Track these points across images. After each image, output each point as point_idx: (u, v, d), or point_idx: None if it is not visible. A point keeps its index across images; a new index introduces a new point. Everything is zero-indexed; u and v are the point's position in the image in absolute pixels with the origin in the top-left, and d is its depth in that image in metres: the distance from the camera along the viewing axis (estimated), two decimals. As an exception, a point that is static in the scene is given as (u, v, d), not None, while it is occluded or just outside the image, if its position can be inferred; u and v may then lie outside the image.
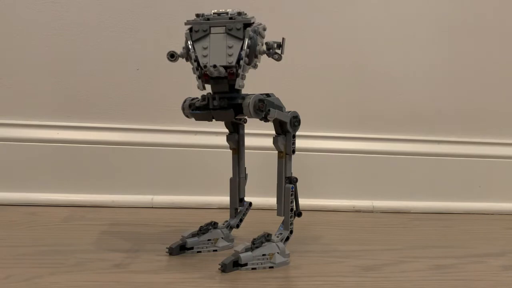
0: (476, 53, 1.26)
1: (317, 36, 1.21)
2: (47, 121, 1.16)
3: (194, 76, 0.76)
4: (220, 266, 0.78)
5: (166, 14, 1.16)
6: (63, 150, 1.16)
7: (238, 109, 0.76)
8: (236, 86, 0.75)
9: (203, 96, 0.77)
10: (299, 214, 0.85)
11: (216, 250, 0.87)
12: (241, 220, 0.92)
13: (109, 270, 0.77)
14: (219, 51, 0.74)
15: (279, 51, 0.76)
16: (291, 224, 0.84)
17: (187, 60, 0.77)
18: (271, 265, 0.80)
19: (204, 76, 0.75)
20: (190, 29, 0.76)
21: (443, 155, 1.26)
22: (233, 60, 0.74)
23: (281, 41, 0.76)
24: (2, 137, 1.14)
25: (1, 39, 1.13)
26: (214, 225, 0.89)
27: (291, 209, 0.83)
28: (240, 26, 0.74)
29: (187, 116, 0.80)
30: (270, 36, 0.78)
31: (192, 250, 0.86)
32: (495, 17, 1.25)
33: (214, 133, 1.19)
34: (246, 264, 0.79)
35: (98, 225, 1.00)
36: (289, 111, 0.81)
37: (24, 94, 1.15)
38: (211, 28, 0.75)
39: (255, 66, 0.77)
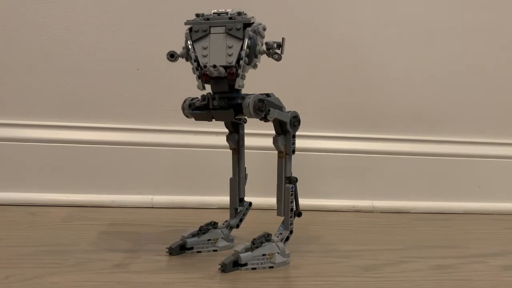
0: (477, 53, 1.26)
1: (317, 36, 1.21)
2: (47, 121, 1.16)
3: (194, 76, 0.76)
4: (220, 266, 0.78)
5: (166, 14, 1.16)
6: (63, 150, 1.16)
7: (238, 109, 0.76)
8: (236, 86, 0.74)
9: (203, 96, 0.77)
10: (299, 214, 0.85)
11: (216, 250, 0.87)
12: (241, 220, 0.92)
13: (109, 270, 0.77)
14: (219, 51, 0.74)
15: (279, 51, 0.76)
16: (291, 224, 0.84)
17: (187, 60, 0.77)
18: (271, 265, 0.80)
19: (204, 76, 0.75)
20: (190, 29, 0.76)
21: (443, 155, 1.26)
22: (233, 60, 0.74)
23: (281, 41, 0.76)
24: (2, 137, 1.14)
25: (1, 39, 1.13)
26: (214, 225, 0.89)
27: (291, 209, 0.83)
28: (240, 26, 0.74)
29: (187, 116, 0.80)
30: (270, 36, 0.78)
31: (192, 250, 0.86)
32: (496, 17, 1.25)
33: (214, 133, 1.19)
34: (246, 264, 0.79)
35: (98, 225, 1.00)
36: (289, 111, 0.81)
37: (24, 94, 1.15)
38: (211, 28, 0.75)
39: (255, 66, 0.77)
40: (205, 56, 0.75)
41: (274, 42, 0.76)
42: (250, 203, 0.93)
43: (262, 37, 0.77)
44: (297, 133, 0.83)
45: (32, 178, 1.15)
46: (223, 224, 0.90)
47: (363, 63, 1.23)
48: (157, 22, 1.16)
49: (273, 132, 0.83)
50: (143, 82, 1.18)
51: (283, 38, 0.76)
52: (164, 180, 1.18)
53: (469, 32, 1.25)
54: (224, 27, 0.75)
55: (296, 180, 0.83)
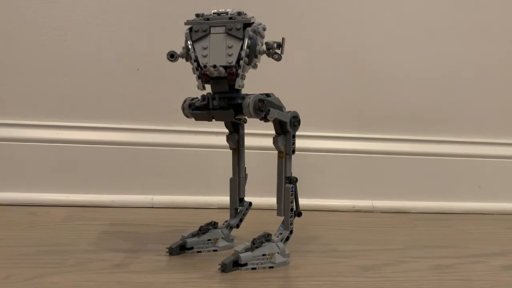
0: (476, 53, 1.26)
1: (317, 36, 1.21)
2: (47, 121, 1.16)
3: (194, 76, 0.76)
4: (220, 266, 0.78)
5: (166, 14, 1.16)
6: (63, 150, 1.15)
7: (238, 109, 0.76)
8: (236, 86, 0.74)
9: (203, 96, 0.77)
10: (299, 214, 0.85)
11: (216, 250, 0.87)
12: (241, 220, 0.92)
13: (109, 270, 0.77)
14: (219, 51, 0.74)
15: (279, 51, 0.76)
16: (291, 224, 0.84)
17: (187, 60, 0.77)
18: (271, 265, 0.81)
19: (204, 76, 0.75)
20: (190, 29, 0.76)
21: (443, 155, 1.26)
22: (233, 60, 0.74)
23: (281, 41, 0.76)
24: (2, 137, 1.14)
25: (1, 39, 1.13)
26: (214, 225, 0.89)
27: (291, 209, 0.83)
28: (240, 26, 0.74)
29: (187, 116, 0.80)
30: (270, 36, 0.78)
31: (192, 250, 0.86)
32: (496, 17, 1.25)
33: (214, 133, 1.19)
34: (246, 264, 0.79)
35: (98, 225, 1.00)
36: (289, 111, 0.81)
37: (24, 94, 1.15)
38: (211, 28, 0.75)
39: (255, 66, 0.77)
40: (205, 56, 0.75)
41: (274, 42, 0.76)
42: (250, 203, 0.93)
43: (262, 37, 0.77)
44: (297, 133, 0.83)
45: (32, 178, 1.15)
46: (223, 224, 0.90)
47: (363, 63, 1.23)
48: (157, 22, 1.16)
49: (273, 132, 0.83)
50: (143, 82, 1.18)
51: (283, 38, 0.76)
52: (164, 180, 1.18)
53: (469, 32, 1.25)
54: (224, 27, 0.75)
55: (296, 180, 0.83)
